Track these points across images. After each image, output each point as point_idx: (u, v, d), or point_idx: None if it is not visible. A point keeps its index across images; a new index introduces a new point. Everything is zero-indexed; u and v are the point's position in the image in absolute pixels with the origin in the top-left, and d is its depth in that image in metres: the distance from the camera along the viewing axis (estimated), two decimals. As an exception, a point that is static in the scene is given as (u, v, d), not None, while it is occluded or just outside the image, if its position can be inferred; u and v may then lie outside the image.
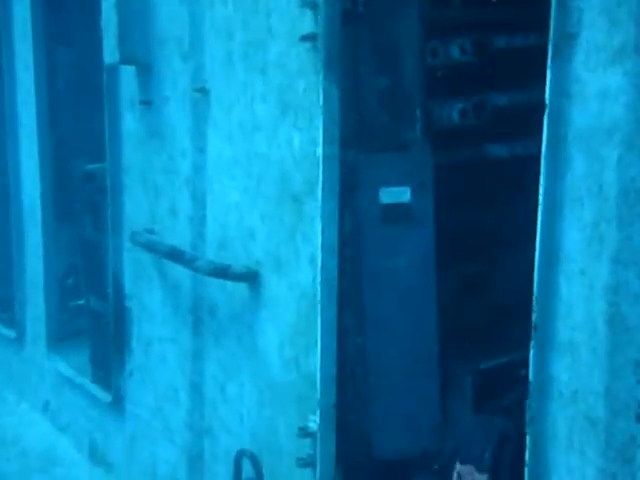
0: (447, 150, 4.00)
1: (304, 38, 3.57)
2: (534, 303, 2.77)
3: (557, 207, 2.70)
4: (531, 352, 2.81)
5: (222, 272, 4.04)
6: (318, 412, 3.68)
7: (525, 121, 4.26)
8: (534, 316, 2.77)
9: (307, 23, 3.55)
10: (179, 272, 4.60)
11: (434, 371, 3.85)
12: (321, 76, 3.51)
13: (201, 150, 4.44)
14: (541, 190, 2.73)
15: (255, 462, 3.99)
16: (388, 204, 3.73)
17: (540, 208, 2.73)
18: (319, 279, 3.61)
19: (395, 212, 3.74)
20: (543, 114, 4.33)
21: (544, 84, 4.33)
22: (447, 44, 3.99)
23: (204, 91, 4.37)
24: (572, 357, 2.72)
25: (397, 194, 3.72)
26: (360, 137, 3.80)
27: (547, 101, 2.68)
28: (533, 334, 2.78)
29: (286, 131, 3.80)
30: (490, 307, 4.32)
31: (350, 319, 3.81)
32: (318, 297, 3.62)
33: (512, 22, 4.13)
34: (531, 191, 4.28)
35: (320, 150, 3.58)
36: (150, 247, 4.67)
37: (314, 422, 3.69)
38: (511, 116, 4.22)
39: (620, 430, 2.60)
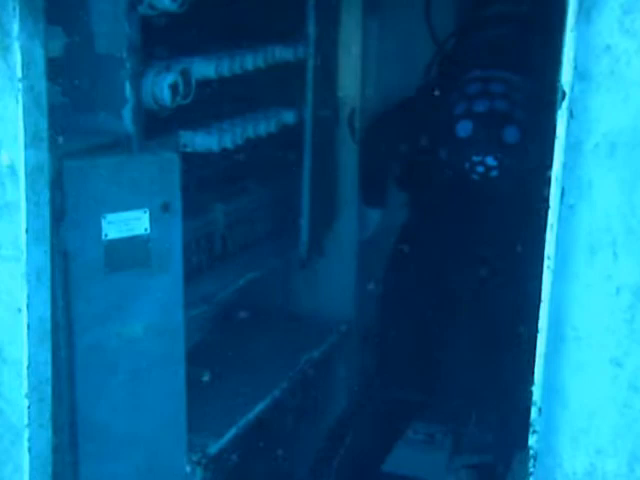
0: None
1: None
2: (533, 416, 1.65)
3: (566, 258, 1.60)
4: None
5: None
6: None
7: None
8: (532, 439, 1.65)
9: None
10: None
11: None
12: (16, 26, 1.92)
13: None
14: (548, 234, 1.60)
15: None
16: (114, 240, 2.26)
17: (545, 260, 1.61)
18: (24, 388, 2.04)
19: (126, 252, 2.28)
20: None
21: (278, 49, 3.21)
22: (153, -17, 2.59)
23: None
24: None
25: (129, 223, 2.27)
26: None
27: (563, 86, 1.54)
28: (531, 467, 1.67)
29: None
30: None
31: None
32: (24, 420, 2.05)
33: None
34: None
35: (14, 157, 1.99)
36: None
37: None
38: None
39: None
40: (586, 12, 1.49)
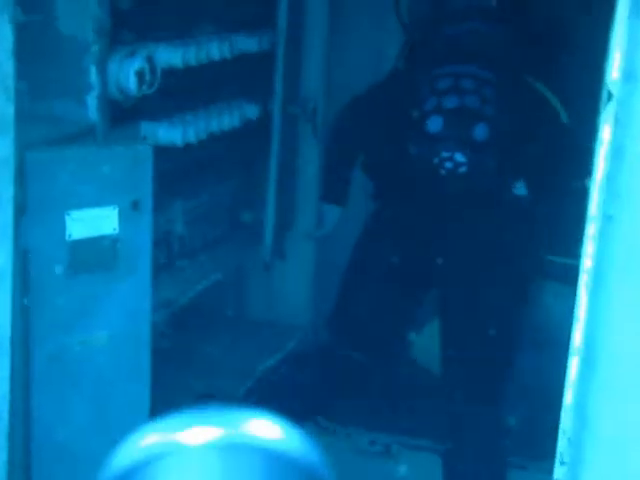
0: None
1: None
2: (562, 447, 1.51)
3: (602, 274, 1.47)
4: None
5: None
6: None
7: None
8: (559, 471, 1.52)
9: None
10: None
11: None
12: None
13: None
14: (587, 247, 1.46)
15: None
16: (79, 240, 2.05)
17: (581, 276, 1.47)
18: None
19: (91, 252, 2.08)
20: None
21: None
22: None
23: None
24: None
25: (95, 221, 2.06)
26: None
27: (609, 86, 1.40)
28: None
29: None
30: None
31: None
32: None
33: None
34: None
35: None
36: None
37: None
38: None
39: None
40: (637, 4, 1.36)
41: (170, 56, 2.64)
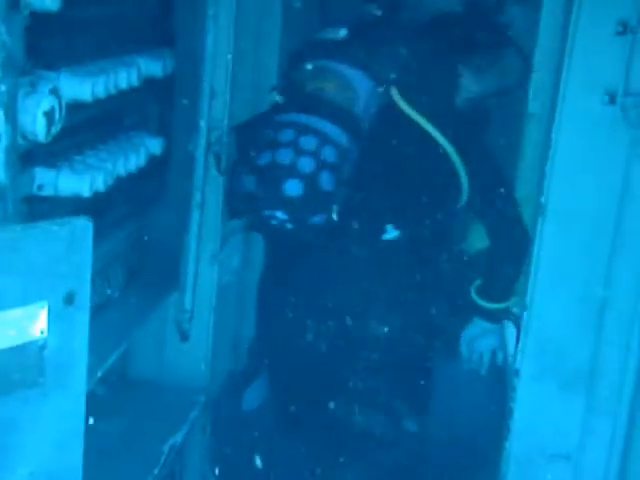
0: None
1: None
2: None
3: None
4: None
5: None
6: None
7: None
8: None
9: None
10: None
11: None
12: None
13: None
14: None
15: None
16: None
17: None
18: None
19: (11, 366, 1.54)
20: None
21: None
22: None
23: None
24: None
25: (17, 325, 1.53)
26: None
27: None
28: None
29: None
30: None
31: None
32: None
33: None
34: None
35: None
36: None
37: None
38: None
39: None
40: None
41: (77, 88, 2.12)
